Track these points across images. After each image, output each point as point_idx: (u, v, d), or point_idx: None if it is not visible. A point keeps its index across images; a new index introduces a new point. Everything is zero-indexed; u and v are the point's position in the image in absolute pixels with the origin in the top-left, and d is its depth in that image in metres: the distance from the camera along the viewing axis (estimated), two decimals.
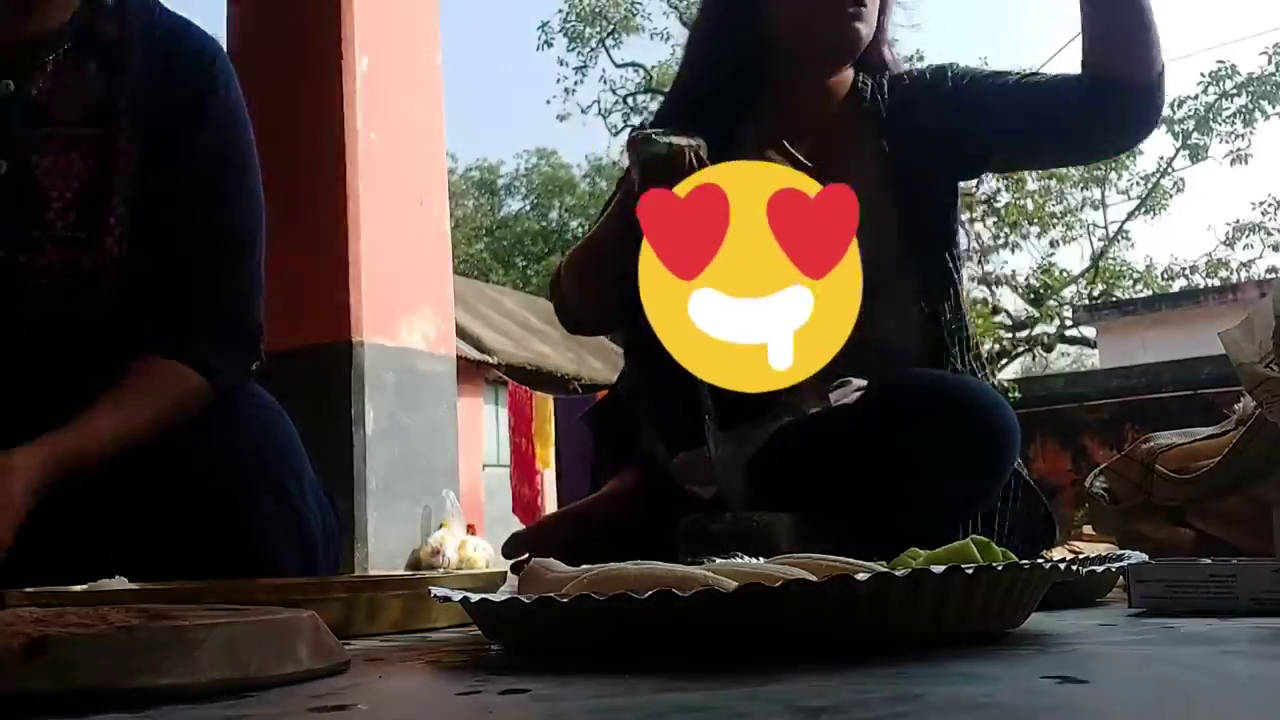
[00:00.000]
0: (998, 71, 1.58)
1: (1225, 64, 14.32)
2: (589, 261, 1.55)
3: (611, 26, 19.10)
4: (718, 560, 0.99)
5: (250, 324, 1.44)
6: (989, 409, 1.31)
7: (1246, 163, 14.47)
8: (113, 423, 1.28)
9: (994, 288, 12.72)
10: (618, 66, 19.51)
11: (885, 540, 1.34)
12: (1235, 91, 14.36)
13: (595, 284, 1.54)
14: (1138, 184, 15.76)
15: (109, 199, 1.30)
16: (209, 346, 1.37)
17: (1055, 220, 13.99)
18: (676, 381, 1.29)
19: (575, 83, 19.99)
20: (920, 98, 1.58)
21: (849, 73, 1.63)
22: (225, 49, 1.48)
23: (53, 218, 1.28)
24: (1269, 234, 16.48)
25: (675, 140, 1.27)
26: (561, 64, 20.41)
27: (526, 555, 1.57)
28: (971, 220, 12.15)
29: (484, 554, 3.93)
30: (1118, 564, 1.20)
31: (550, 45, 19.52)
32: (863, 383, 1.40)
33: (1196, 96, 14.61)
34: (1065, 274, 14.47)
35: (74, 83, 1.31)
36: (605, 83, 19.74)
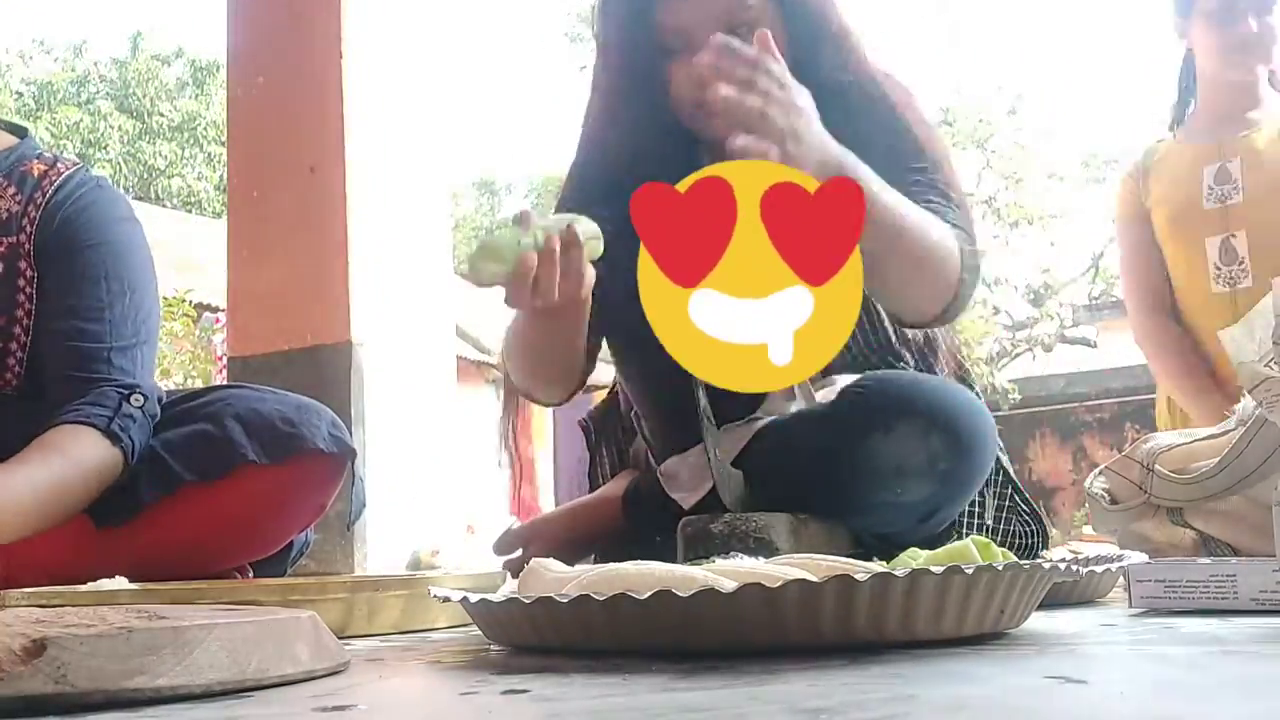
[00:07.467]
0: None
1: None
2: (527, 360, 1.50)
3: None
4: (718, 560, 0.99)
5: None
6: (958, 413, 1.26)
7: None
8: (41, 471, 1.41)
9: (994, 287, 12.69)
10: None
11: (864, 540, 1.35)
12: None
13: (542, 377, 1.53)
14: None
15: (15, 294, 1.54)
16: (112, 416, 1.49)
17: (1055, 220, 13.96)
18: (670, 386, 1.29)
19: (574, 83, 19.96)
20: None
21: None
22: (226, 48, 1.55)
23: None
24: None
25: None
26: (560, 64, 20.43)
27: (518, 552, 1.58)
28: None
29: (483, 555, 3.92)
30: (1118, 564, 1.20)
31: (549, 45, 19.54)
32: (849, 378, 1.38)
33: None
34: (1065, 274, 14.47)
35: None
36: None
